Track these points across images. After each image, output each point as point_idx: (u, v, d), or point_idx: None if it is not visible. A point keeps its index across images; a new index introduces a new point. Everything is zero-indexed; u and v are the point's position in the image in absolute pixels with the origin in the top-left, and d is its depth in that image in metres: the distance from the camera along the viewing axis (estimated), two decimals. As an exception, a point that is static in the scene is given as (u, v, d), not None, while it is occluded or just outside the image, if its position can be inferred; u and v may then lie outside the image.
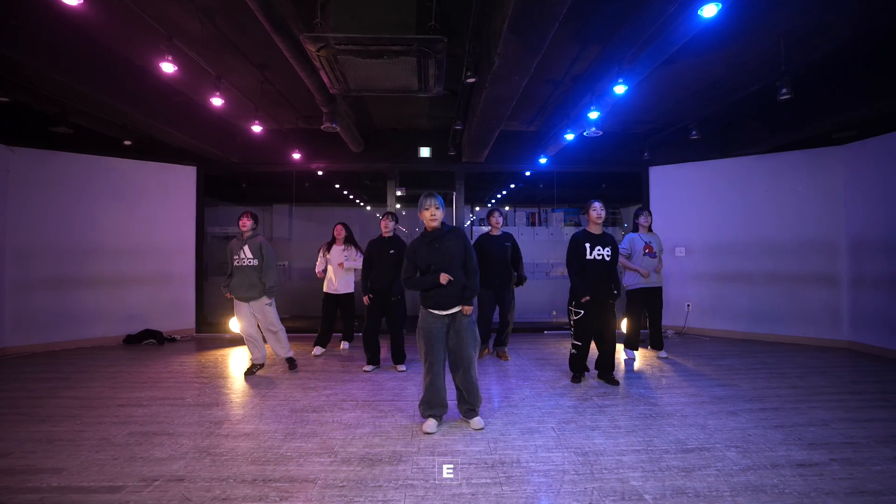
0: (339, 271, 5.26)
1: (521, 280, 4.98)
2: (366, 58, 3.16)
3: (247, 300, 4.23)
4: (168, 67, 3.33)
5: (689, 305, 6.59)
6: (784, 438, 2.78)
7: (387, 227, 4.65)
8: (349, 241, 5.42)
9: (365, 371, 4.47)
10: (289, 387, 3.98)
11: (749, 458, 2.50)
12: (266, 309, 4.28)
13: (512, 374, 4.38)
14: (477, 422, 3.01)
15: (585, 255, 3.95)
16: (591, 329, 3.97)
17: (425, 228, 3.04)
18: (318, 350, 5.31)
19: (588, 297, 3.84)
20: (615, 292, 3.95)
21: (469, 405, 3.05)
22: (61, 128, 5.05)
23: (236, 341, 6.06)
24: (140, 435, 2.92)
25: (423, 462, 2.51)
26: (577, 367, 4.08)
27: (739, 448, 2.64)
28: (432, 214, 2.96)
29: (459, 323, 2.98)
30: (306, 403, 3.53)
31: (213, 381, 4.24)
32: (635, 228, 4.99)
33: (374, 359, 4.56)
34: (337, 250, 5.34)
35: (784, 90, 3.80)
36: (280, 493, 2.20)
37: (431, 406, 3.01)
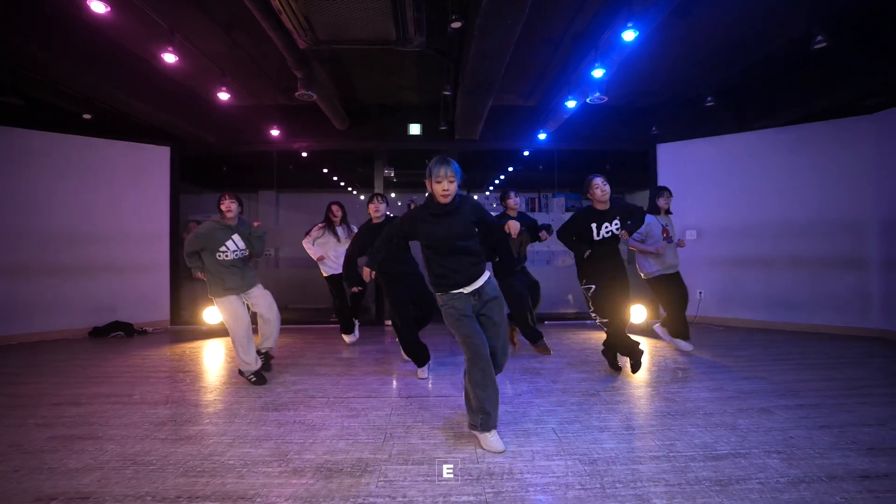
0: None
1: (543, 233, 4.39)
2: (330, -8, 2.67)
3: None
4: (99, 7, 2.82)
5: (700, 293, 6.09)
6: (835, 441, 2.29)
7: (377, 211, 3.92)
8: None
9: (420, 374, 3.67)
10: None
11: (797, 468, 2.02)
12: None
13: (508, 366, 3.89)
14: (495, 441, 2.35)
15: (592, 236, 3.47)
16: (608, 300, 3.50)
17: (431, 198, 2.35)
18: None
19: (590, 251, 3.47)
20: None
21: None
22: (11, 97, 4.58)
23: (212, 334, 5.59)
24: (61, 440, 2.45)
25: (392, 473, 2.03)
26: (611, 353, 3.63)
27: (783, 454, 2.15)
28: (445, 189, 2.26)
29: (491, 301, 2.38)
30: (269, 400, 3.06)
31: (174, 375, 3.77)
32: (653, 211, 4.40)
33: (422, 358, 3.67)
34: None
35: (819, 37, 3.29)
36: (204, 515, 1.73)
37: (493, 407, 2.26)
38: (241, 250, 3.45)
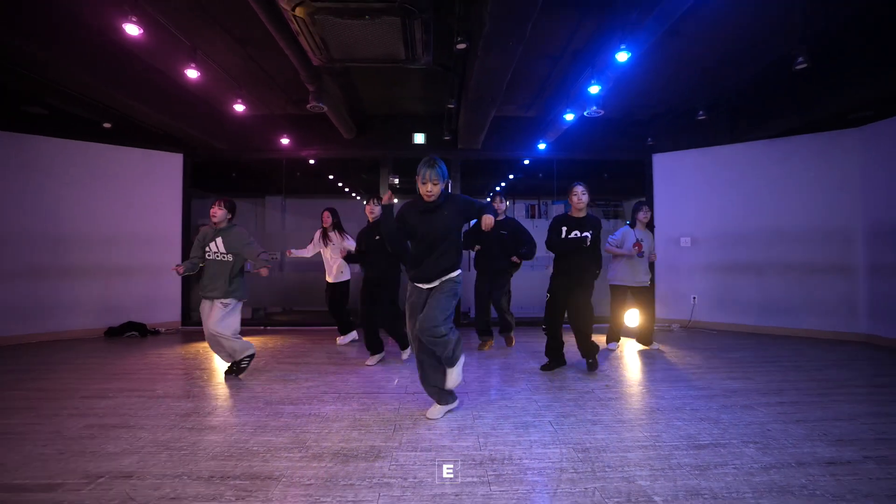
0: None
1: (520, 256, 4.69)
2: (346, 17, 2.90)
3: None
4: (133, 29, 3.06)
5: (694, 298, 6.30)
6: (808, 434, 2.49)
7: (371, 212, 4.39)
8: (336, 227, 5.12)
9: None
10: (268, 379, 3.72)
11: (770, 456, 2.22)
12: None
13: (509, 366, 4.11)
14: (434, 411, 2.81)
15: (560, 236, 3.76)
16: (558, 314, 3.83)
17: (419, 196, 2.68)
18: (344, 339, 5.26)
19: (583, 236, 3.68)
20: (597, 272, 3.86)
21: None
22: (35, 108, 4.81)
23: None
24: (97, 428, 2.66)
25: (402, 458, 2.24)
26: (549, 354, 3.94)
27: (759, 444, 2.36)
28: (429, 191, 2.60)
29: (438, 288, 2.71)
30: (284, 395, 3.26)
31: (190, 372, 3.98)
32: (633, 224, 4.73)
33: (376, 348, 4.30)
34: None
35: (800, 59, 3.52)
36: (237, 491, 1.93)
37: (429, 383, 2.82)
38: (220, 253, 3.68)
